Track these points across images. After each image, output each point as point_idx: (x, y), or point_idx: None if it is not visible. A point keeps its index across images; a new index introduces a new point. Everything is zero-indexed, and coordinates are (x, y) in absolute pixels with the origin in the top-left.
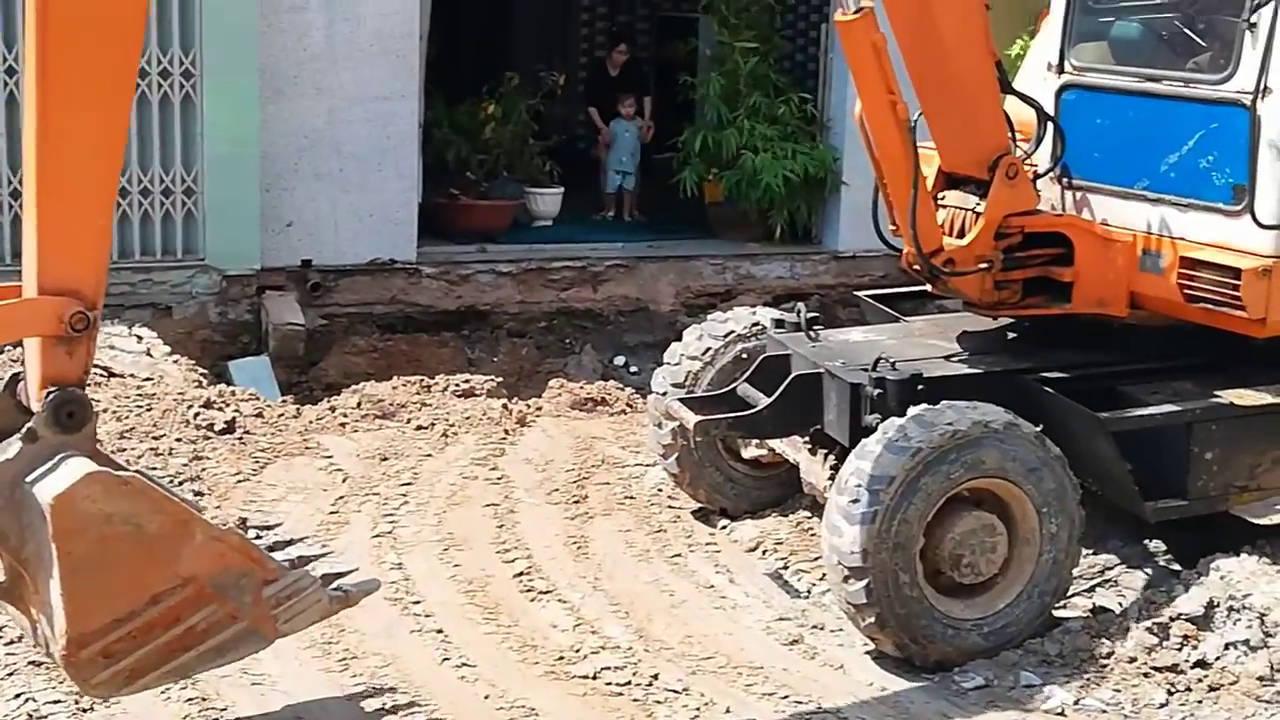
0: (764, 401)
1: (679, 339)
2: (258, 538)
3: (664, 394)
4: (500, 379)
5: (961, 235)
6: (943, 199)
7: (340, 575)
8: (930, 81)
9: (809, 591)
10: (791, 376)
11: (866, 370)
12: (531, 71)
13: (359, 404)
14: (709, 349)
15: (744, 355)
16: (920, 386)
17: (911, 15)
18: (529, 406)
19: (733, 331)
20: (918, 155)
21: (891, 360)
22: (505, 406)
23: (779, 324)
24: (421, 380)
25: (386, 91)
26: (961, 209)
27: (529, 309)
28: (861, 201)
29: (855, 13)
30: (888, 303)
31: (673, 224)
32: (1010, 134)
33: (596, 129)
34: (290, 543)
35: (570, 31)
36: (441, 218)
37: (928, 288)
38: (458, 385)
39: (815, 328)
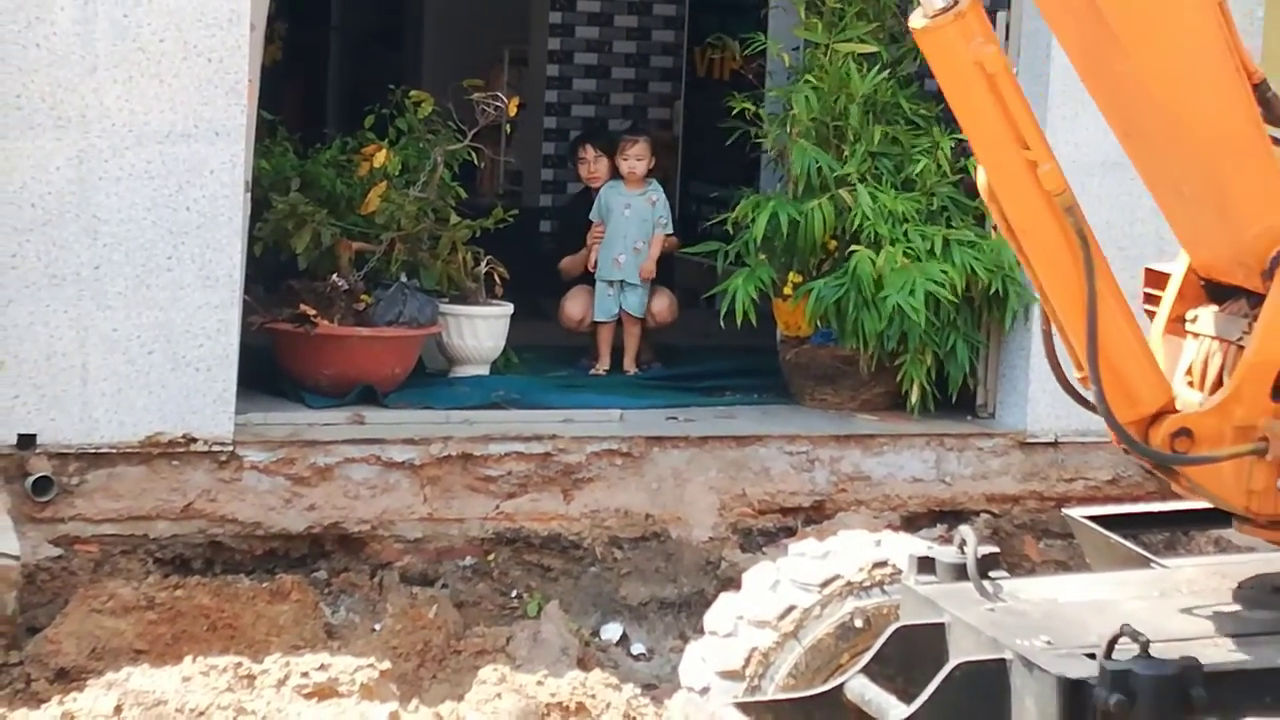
0: (899, 711)
1: (730, 588)
2: None
3: (704, 692)
4: (387, 664)
5: (1219, 387)
6: (1192, 322)
7: None
8: (1134, 130)
9: None
10: (950, 666)
11: (1094, 656)
12: (456, 90)
13: (118, 709)
14: (792, 608)
15: (858, 622)
16: (1198, 689)
17: (1077, 24)
18: (440, 718)
19: (837, 577)
20: (1089, 253)
21: (1143, 638)
22: (396, 718)
23: (925, 565)
24: (239, 665)
25: (187, 124)
26: (1224, 341)
27: (443, 532)
28: None
29: (942, 11)
30: (1126, 529)
31: (715, 377)
32: None
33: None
34: None
35: (529, 18)
36: (283, 359)
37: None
38: (307, 675)
39: (993, 574)
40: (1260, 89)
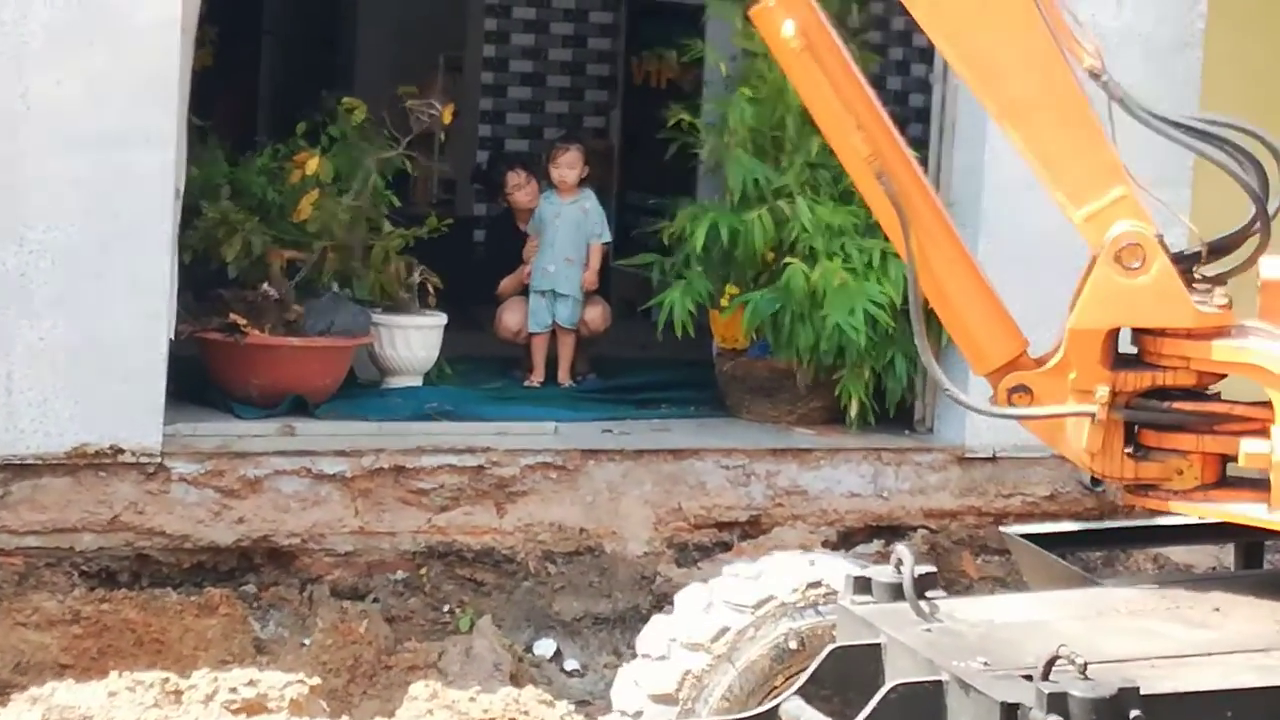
0: None
1: (663, 608)
2: None
3: (637, 715)
4: (317, 680)
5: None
6: None
7: None
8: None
9: None
10: (886, 688)
11: (1030, 678)
12: (390, 97)
13: None
14: (725, 630)
15: (792, 644)
16: (1135, 711)
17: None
18: None
19: (771, 597)
20: (904, 218)
21: (1079, 659)
22: None
23: (861, 585)
24: (166, 681)
25: (117, 128)
26: None
27: (374, 546)
28: None
29: None
30: (1065, 548)
31: (651, 389)
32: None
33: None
34: None
35: (465, 24)
36: (212, 369)
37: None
38: (235, 691)
39: (930, 594)
40: (1093, 73)
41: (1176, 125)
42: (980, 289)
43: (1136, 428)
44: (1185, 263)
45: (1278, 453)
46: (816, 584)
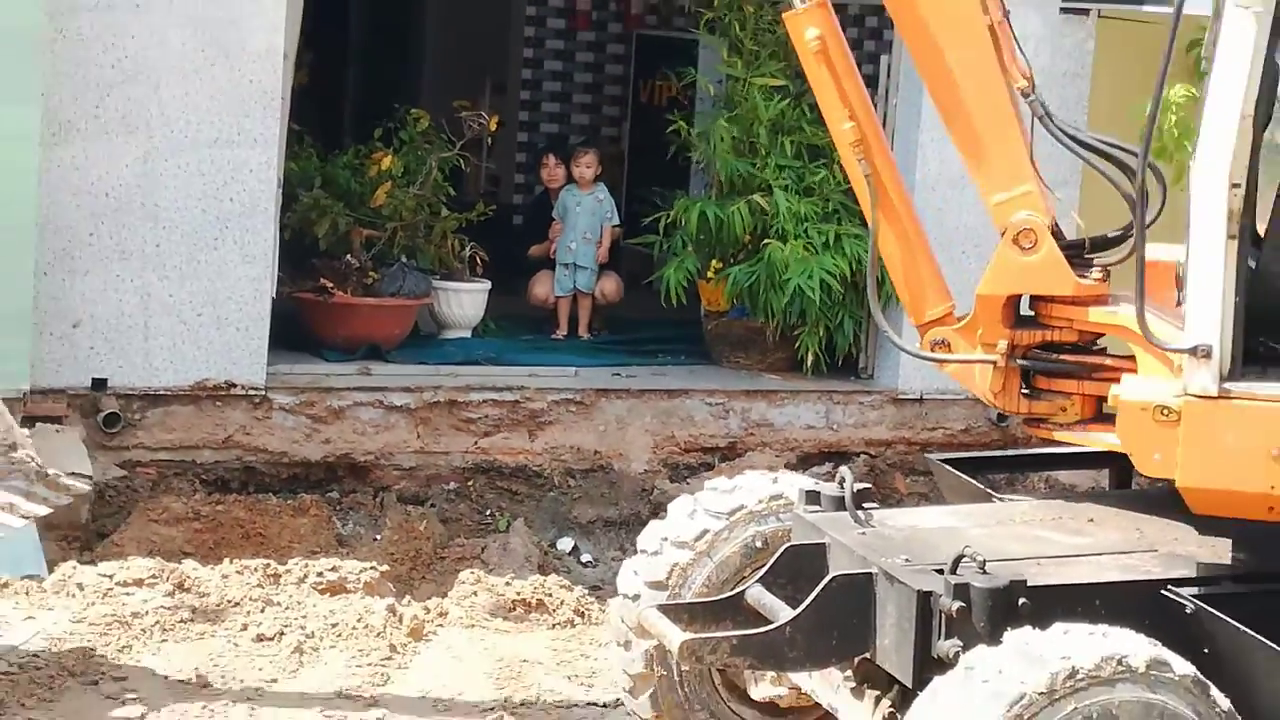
0: (787, 614)
1: (659, 514)
2: None
3: (635, 598)
4: (386, 567)
5: None
6: None
7: None
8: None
9: None
10: (829, 579)
11: (941, 572)
12: (447, 109)
13: (172, 595)
14: (705, 532)
15: (758, 543)
16: (1023, 599)
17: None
18: (428, 611)
19: (742, 507)
20: (873, 193)
21: (980, 558)
22: (392, 610)
23: (812, 498)
24: (267, 566)
25: (231, 132)
26: None
27: (432, 462)
28: None
29: (802, 3)
30: (974, 471)
31: (652, 342)
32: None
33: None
34: None
35: (507, 52)
36: (306, 322)
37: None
38: (321, 575)
39: (866, 505)
40: (1023, 93)
41: (1083, 144)
42: (925, 256)
43: (1032, 374)
44: (1073, 248)
45: (1124, 393)
46: (779, 496)
